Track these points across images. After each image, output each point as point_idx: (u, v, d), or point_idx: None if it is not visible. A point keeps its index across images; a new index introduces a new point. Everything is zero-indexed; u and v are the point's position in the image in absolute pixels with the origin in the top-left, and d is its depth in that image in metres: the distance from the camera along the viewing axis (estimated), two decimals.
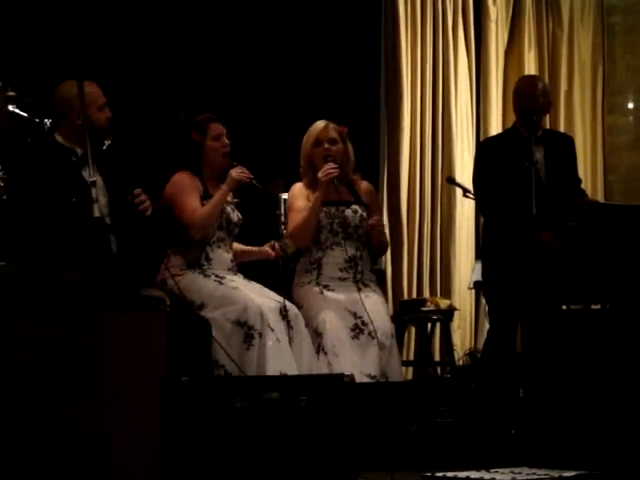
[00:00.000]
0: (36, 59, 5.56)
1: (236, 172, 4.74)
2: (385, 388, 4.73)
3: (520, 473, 4.31)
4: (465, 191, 5.71)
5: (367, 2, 7.08)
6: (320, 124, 5.04)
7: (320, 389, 3.78)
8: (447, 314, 6.39)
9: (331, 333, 4.73)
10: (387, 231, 5.49)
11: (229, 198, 4.86)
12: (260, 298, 4.60)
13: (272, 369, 4.40)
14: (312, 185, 5.00)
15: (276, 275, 4.99)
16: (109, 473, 2.79)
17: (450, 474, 4.30)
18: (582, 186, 5.50)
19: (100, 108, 4.30)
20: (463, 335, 7.14)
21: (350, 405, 3.78)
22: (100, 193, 4.02)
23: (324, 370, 4.60)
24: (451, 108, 7.19)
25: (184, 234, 4.68)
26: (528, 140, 5.12)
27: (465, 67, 7.34)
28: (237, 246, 4.96)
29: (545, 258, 4.97)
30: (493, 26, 7.48)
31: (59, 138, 4.29)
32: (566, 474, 4.27)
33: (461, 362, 6.73)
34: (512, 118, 5.53)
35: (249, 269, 4.95)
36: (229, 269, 4.78)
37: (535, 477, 4.23)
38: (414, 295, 6.96)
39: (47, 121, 4.39)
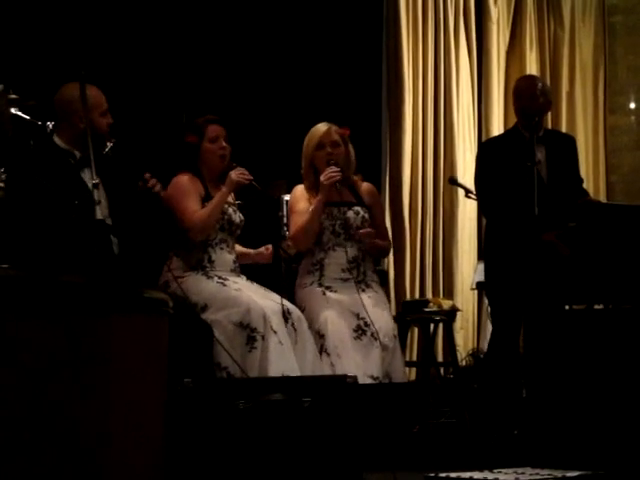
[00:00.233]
0: (38, 62, 5.56)
1: (235, 174, 4.74)
2: (388, 389, 4.73)
3: (523, 473, 4.31)
4: (467, 192, 5.72)
5: (369, 4, 7.08)
6: (323, 127, 5.02)
7: (323, 390, 3.79)
8: (450, 315, 6.40)
9: (333, 334, 4.72)
10: (389, 232, 5.47)
11: (231, 199, 4.86)
12: (263, 300, 4.60)
13: (275, 371, 4.40)
14: (313, 187, 5.00)
15: (278, 277, 4.99)
16: (110, 474, 2.79)
17: (453, 474, 4.29)
18: (584, 186, 5.50)
19: (102, 114, 4.31)
20: (466, 336, 7.14)
21: (353, 406, 3.78)
22: (100, 195, 4.02)
23: (327, 371, 4.60)
24: (453, 109, 7.20)
25: (185, 236, 4.68)
26: (529, 140, 5.12)
27: (467, 68, 7.34)
28: (236, 248, 4.96)
29: (548, 258, 4.98)
30: (494, 27, 7.49)
31: (58, 141, 4.29)
32: (569, 474, 4.26)
33: (464, 363, 6.74)
34: (514, 119, 5.53)
35: (251, 271, 4.95)
36: (232, 270, 4.78)
37: (538, 477, 4.23)
38: (417, 296, 6.97)
39: (49, 124, 4.39)
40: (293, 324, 4.61)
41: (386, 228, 5.33)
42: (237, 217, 4.87)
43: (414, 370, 6.80)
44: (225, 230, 4.79)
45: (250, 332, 4.48)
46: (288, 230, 5.24)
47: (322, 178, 4.91)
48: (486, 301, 6.35)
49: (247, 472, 3.61)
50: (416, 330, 6.90)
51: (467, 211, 7.17)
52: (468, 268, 7.12)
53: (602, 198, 7.41)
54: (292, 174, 5.34)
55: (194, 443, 3.61)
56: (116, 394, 2.84)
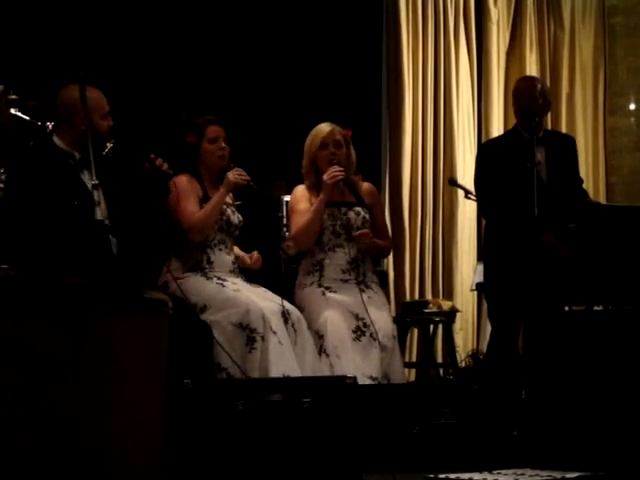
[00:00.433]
0: (38, 63, 5.56)
1: (233, 174, 4.74)
2: (387, 390, 4.73)
3: (523, 474, 4.31)
4: (467, 192, 5.72)
5: (369, 4, 7.09)
6: (326, 127, 5.02)
7: (322, 391, 3.79)
8: (449, 316, 6.39)
9: (333, 335, 4.72)
10: (389, 233, 5.47)
11: (229, 200, 4.86)
12: (262, 301, 4.60)
13: (274, 371, 4.40)
14: (314, 187, 5.00)
15: (278, 277, 4.99)
16: (110, 474, 2.79)
17: (453, 476, 4.30)
18: (584, 187, 5.50)
19: (104, 116, 4.31)
20: (465, 337, 7.14)
21: (353, 407, 3.78)
22: (99, 196, 4.02)
23: (326, 372, 4.60)
24: (453, 110, 7.20)
25: (184, 237, 4.68)
26: (529, 141, 5.12)
27: (466, 69, 7.34)
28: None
29: (547, 259, 4.98)
30: (494, 28, 7.49)
31: (58, 141, 4.29)
32: (569, 475, 4.27)
33: (463, 364, 6.74)
34: (513, 119, 5.53)
35: (251, 271, 4.95)
36: (231, 271, 4.78)
37: (538, 478, 4.23)
38: (416, 297, 6.97)
39: (49, 124, 4.39)
40: (293, 325, 4.61)
41: (387, 228, 5.33)
42: (236, 218, 4.87)
43: (414, 371, 6.79)
44: (224, 231, 4.80)
45: (250, 333, 4.48)
46: (288, 231, 5.24)
47: (325, 177, 4.90)
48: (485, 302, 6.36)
49: (247, 473, 3.61)
50: (416, 331, 6.90)
51: (467, 212, 7.17)
52: (468, 269, 7.12)
53: (602, 199, 7.41)
54: (292, 175, 5.34)
55: (194, 443, 3.62)
56: (116, 394, 2.84)
